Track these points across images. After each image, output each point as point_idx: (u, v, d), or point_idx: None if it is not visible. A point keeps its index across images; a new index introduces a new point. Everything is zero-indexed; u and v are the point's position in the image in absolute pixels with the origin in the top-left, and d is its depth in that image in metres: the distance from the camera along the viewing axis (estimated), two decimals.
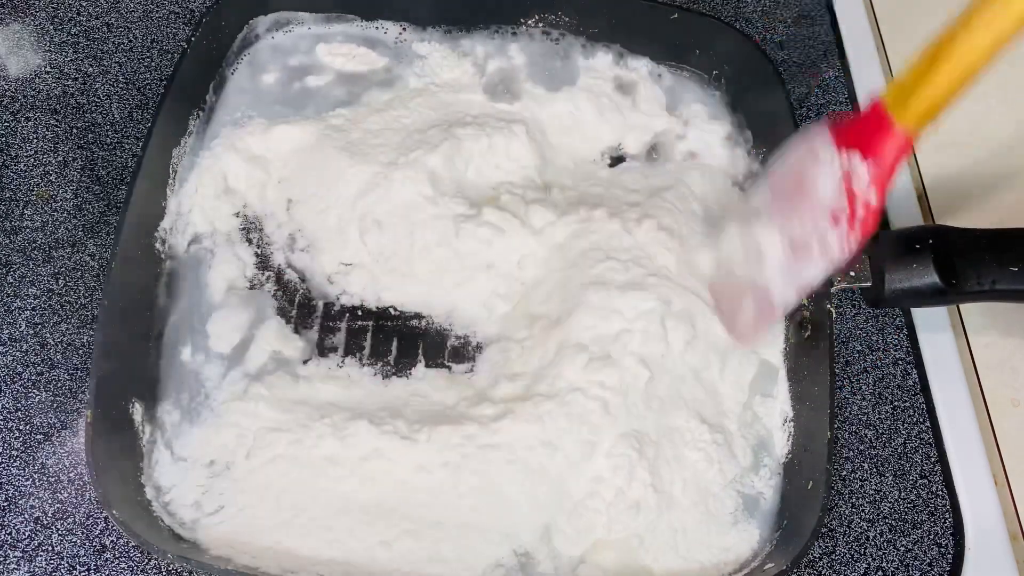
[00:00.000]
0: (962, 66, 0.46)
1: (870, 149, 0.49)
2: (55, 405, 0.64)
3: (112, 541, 0.60)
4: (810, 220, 0.52)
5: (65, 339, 0.66)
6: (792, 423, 0.64)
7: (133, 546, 0.60)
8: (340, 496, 0.60)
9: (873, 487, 0.65)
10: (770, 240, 0.55)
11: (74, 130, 0.75)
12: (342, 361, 0.67)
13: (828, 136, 0.51)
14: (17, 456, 0.62)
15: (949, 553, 0.63)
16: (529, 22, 0.79)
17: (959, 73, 0.46)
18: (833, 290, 0.62)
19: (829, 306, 0.62)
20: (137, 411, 0.62)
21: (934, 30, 0.46)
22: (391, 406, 0.64)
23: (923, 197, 0.76)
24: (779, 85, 0.72)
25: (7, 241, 0.70)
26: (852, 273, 0.63)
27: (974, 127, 0.80)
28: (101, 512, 0.61)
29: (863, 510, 0.65)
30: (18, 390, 0.65)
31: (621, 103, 0.78)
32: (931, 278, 0.61)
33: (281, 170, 0.73)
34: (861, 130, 0.50)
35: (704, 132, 0.77)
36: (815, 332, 0.63)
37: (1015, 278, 0.60)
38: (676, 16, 0.75)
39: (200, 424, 0.63)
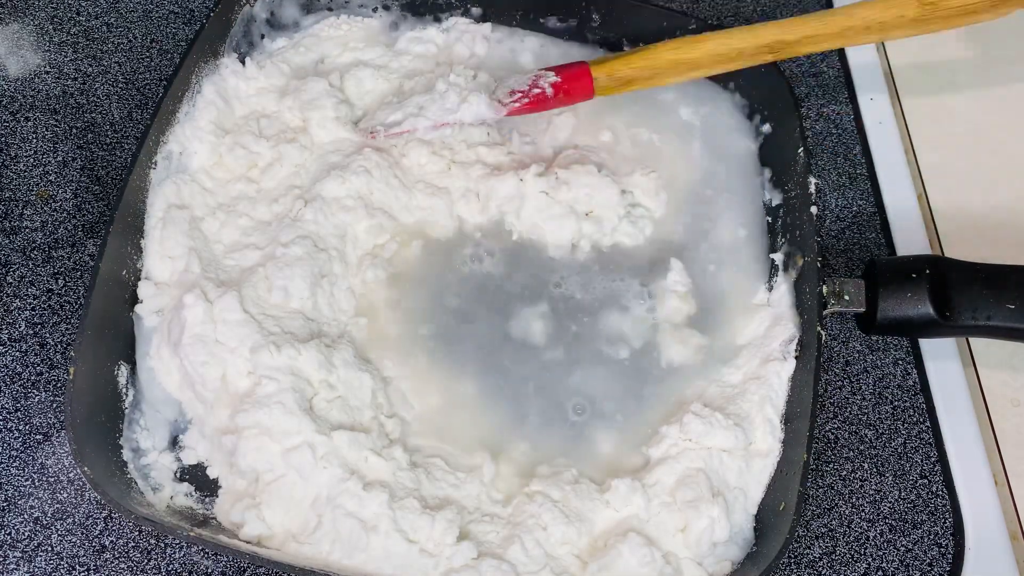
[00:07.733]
0: (654, 83, 0.70)
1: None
2: (55, 405, 0.64)
3: (112, 541, 0.60)
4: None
5: (65, 339, 0.66)
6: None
7: (133, 546, 0.60)
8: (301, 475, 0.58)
9: (873, 487, 0.65)
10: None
11: (74, 130, 0.75)
12: None
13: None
14: (17, 456, 0.62)
15: (949, 553, 0.63)
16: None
17: (648, 85, 0.70)
18: (825, 313, 0.61)
19: (819, 328, 0.60)
20: (123, 373, 0.62)
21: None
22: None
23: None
24: (788, 95, 0.71)
25: (7, 241, 0.70)
26: (847, 297, 0.62)
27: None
28: (101, 512, 0.61)
29: (863, 510, 0.65)
30: (18, 390, 0.65)
31: None
32: (925, 309, 0.60)
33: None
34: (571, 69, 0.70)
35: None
36: (804, 353, 0.62)
37: (1010, 315, 0.60)
38: (694, 26, 0.73)
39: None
